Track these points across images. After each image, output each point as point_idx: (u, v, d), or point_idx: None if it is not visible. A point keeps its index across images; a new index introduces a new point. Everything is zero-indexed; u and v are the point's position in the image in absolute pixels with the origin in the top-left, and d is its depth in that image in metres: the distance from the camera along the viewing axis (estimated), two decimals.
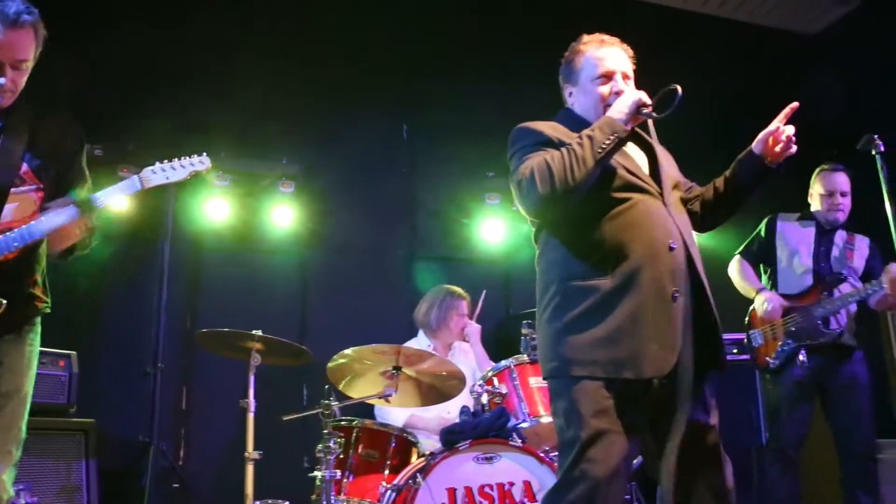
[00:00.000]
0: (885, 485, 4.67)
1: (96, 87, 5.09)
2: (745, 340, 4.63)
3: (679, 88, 2.40)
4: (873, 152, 3.14)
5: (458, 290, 5.02)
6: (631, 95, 2.53)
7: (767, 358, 4.45)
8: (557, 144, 2.52)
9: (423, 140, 6.06)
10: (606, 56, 2.70)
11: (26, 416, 2.72)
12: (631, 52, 2.76)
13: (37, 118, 2.75)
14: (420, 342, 4.92)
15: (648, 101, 2.51)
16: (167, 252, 5.42)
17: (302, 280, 5.71)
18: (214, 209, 5.44)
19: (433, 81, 5.91)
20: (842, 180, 4.51)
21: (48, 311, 2.83)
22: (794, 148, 2.58)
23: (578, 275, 2.51)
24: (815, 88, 6.87)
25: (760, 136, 2.59)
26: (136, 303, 5.48)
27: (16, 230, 2.60)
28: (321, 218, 5.75)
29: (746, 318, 4.63)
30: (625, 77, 2.69)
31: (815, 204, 4.58)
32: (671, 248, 2.48)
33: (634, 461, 4.04)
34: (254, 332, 4.02)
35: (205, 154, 2.71)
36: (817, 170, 4.63)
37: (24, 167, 2.70)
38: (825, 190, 4.52)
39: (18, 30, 2.57)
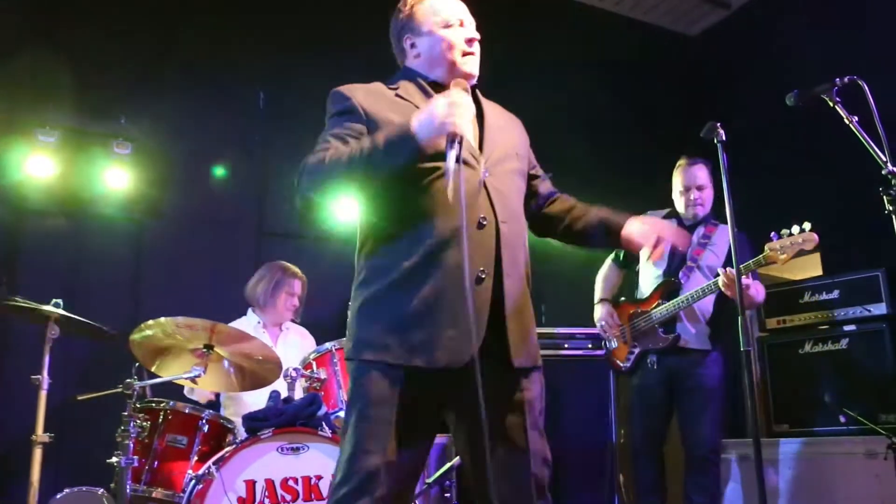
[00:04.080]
0: (728, 483, 4.66)
1: None
2: (602, 342, 4.66)
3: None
4: (715, 140, 3.05)
5: (293, 267, 4.73)
6: (448, 123, 2.16)
7: (619, 361, 4.46)
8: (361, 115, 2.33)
9: (278, 109, 5.72)
10: (446, 5, 2.53)
11: None
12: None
13: None
14: (249, 320, 4.62)
15: (462, 135, 2.18)
16: None
17: (137, 249, 5.26)
18: (38, 166, 4.91)
19: (289, 47, 5.64)
20: (698, 174, 4.41)
21: None
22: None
23: (380, 251, 2.31)
24: (692, 87, 7.00)
25: (632, 234, 2.50)
26: None
27: None
28: (162, 185, 5.32)
29: None
30: (461, 24, 2.50)
31: (676, 200, 4.49)
32: (480, 226, 2.26)
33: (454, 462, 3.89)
34: (53, 303, 3.65)
35: None
36: (676, 165, 4.52)
37: None
38: (682, 185, 4.43)
39: None
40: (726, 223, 3.08)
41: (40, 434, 3.63)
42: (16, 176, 4.92)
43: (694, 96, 6.96)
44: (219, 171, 5.50)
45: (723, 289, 4.00)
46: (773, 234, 3.85)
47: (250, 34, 5.63)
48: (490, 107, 2.54)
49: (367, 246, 2.36)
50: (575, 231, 2.60)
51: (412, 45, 2.51)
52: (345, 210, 5.76)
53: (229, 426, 3.86)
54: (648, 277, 4.45)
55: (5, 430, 4.58)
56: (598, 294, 4.64)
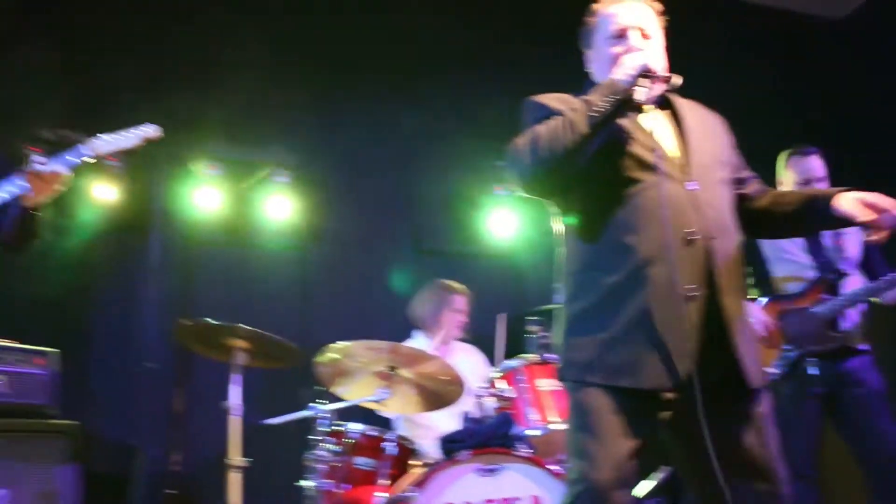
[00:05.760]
0: None
1: (82, 78, 4.86)
2: None
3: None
4: None
5: (454, 284, 4.72)
6: (638, 57, 2.23)
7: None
8: None
9: (425, 129, 5.76)
10: (620, 11, 2.39)
11: None
12: (658, 6, 2.45)
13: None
14: (417, 342, 4.62)
15: (654, 68, 2.21)
16: (157, 244, 5.15)
17: (301, 275, 5.41)
18: (205, 199, 5.12)
19: (431, 68, 5.65)
20: (815, 165, 4.00)
21: None
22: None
23: (585, 268, 2.26)
24: (839, 75, 6.61)
25: (848, 208, 2.24)
26: (125, 298, 5.21)
27: None
28: (319, 210, 5.45)
29: None
30: (643, 35, 2.36)
31: None
32: (689, 241, 2.15)
33: (661, 476, 3.74)
34: (238, 325, 3.73)
35: (156, 126, 2.70)
36: (784, 155, 4.14)
37: None
38: (800, 177, 4.00)
39: None
40: None
41: (235, 458, 3.70)
42: (186, 210, 5.11)
43: (837, 83, 6.56)
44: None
45: None
46: None
47: (399, 57, 5.68)
48: (689, 109, 2.42)
49: (572, 262, 2.32)
50: (785, 217, 2.43)
51: (589, 60, 2.49)
52: (498, 225, 5.75)
53: (413, 447, 3.84)
54: (789, 270, 4.05)
55: (196, 456, 4.76)
56: None
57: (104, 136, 2.60)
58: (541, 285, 5.51)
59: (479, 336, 5.13)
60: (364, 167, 5.64)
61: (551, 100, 2.35)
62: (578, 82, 2.50)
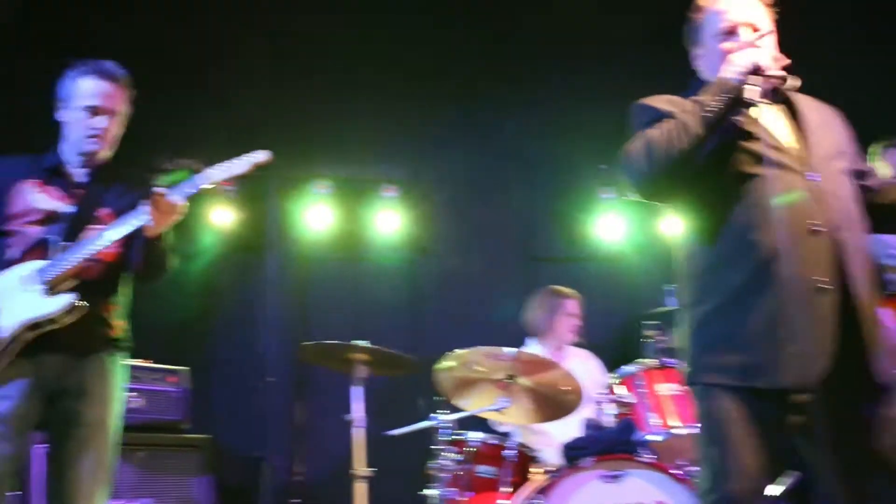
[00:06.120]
0: None
1: (199, 104, 5.10)
2: None
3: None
4: None
5: (565, 289, 4.72)
6: (749, 53, 2.16)
7: None
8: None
9: (528, 135, 5.78)
10: (729, 7, 2.33)
11: (114, 450, 2.77)
12: None
13: (123, 173, 2.95)
14: (531, 349, 4.61)
15: (765, 65, 2.14)
16: (272, 263, 5.35)
17: (412, 287, 5.52)
18: (316, 217, 5.31)
19: (535, 73, 5.68)
20: None
21: (125, 345, 2.89)
22: None
23: (709, 268, 2.21)
24: None
25: None
26: (245, 316, 5.44)
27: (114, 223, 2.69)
28: (427, 222, 5.55)
29: None
30: (753, 30, 2.30)
31: None
32: (814, 232, 2.10)
33: (789, 480, 3.65)
34: (357, 342, 3.84)
35: (268, 151, 2.71)
36: (878, 147, 3.93)
37: (105, 210, 2.85)
38: None
39: (110, 81, 2.88)
40: None
41: (360, 468, 3.81)
42: (299, 229, 5.29)
43: None
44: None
45: None
46: None
47: (502, 66, 5.72)
48: (805, 102, 2.37)
49: (694, 263, 2.27)
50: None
51: (696, 58, 2.43)
52: (607, 229, 5.72)
53: (532, 454, 3.87)
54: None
55: (318, 466, 4.91)
56: None
57: (218, 165, 2.67)
58: (652, 288, 5.45)
59: (592, 341, 5.13)
60: (470, 177, 5.71)
61: (660, 102, 2.32)
62: (681, 83, 2.48)
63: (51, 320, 2.62)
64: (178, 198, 2.60)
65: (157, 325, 4.98)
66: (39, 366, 2.67)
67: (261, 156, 2.66)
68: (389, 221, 5.40)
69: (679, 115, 2.15)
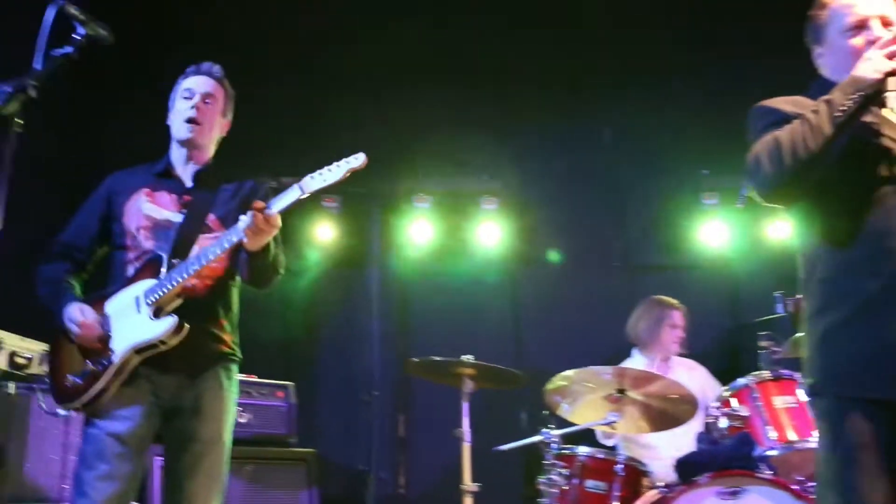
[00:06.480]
0: None
1: (292, 120, 5.21)
2: None
3: None
4: None
5: (669, 299, 4.62)
6: (882, 48, 2.04)
7: None
8: None
9: (627, 142, 5.70)
10: (855, 1, 2.22)
11: (227, 463, 2.78)
12: None
13: (227, 175, 2.94)
14: (636, 361, 4.55)
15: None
16: (375, 278, 5.42)
17: (513, 299, 5.51)
18: (418, 231, 5.37)
19: (632, 79, 5.59)
20: None
21: (236, 359, 2.87)
22: None
23: (838, 273, 2.11)
24: None
25: None
26: (348, 331, 5.52)
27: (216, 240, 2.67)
28: (527, 233, 5.54)
29: None
30: (884, 23, 2.19)
31: None
32: None
33: None
34: (464, 358, 3.84)
35: (361, 154, 2.57)
36: None
37: (212, 216, 2.84)
38: None
39: (206, 76, 2.91)
40: None
41: (468, 483, 3.79)
42: (401, 244, 5.34)
43: None
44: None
45: None
46: None
47: (598, 74, 5.67)
48: None
49: (819, 270, 2.16)
50: None
51: (819, 57, 2.33)
52: (709, 236, 5.58)
53: (643, 469, 3.78)
54: None
55: (420, 479, 4.93)
56: None
57: (314, 174, 2.58)
58: (758, 296, 5.30)
59: (695, 351, 5.01)
60: (570, 187, 5.67)
61: (783, 103, 2.23)
62: (769, 87, 2.40)
63: (158, 343, 2.62)
64: (274, 211, 2.57)
65: (263, 341, 5.10)
66: (156, 386, 2.70)
67: (356, 160, 2.56)
68: (490, 234, 5.40)
69: (807, 115, 2.06)
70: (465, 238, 5.47)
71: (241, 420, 4.14)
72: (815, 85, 2.32)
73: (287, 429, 4.48)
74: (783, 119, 2.16)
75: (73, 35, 2.21)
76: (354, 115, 5.42)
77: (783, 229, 5.44)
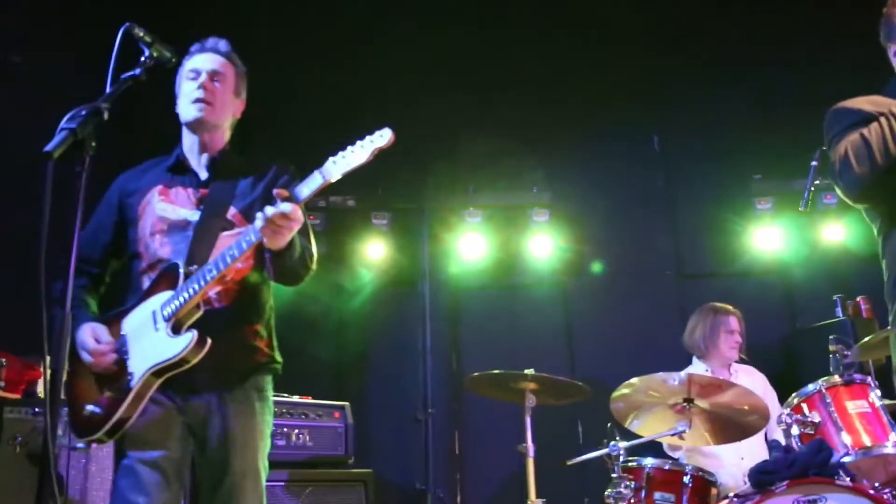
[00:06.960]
0: None
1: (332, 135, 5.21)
2: None
3: None
4: None
5: (724, 305, 4.56)
6: None
7: None
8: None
9: (676, 149, 5.65)
10: None
11: (261, 490, 2.54)
12: None
13: (246, 162, 2.71)
14: (696, 369, 4.47)
15: None
16: (427, 294, 5.40)
17: (566, 311, 5.47)
18: (469, 246, 5.36)
19: (680, 86, 5.56)
20: None
21: (277, 368, 2.65)
22: None
23: None
24: None
25: None
26: (400, 348, 5.51)
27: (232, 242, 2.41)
28: (579, 244, 5.50)
29: None
30: None
31: None
32: None
33: None
34: (526, 371, 3.79)
35: (386, 128, 2.27)
36: None
37: (233, 210, 2.60)
38: None
39: (212, 53, 2.67)
40: None
41: (534, 499, 3.74)
42: (452, 259, 5.34)
43: None
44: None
45: None
46: None
47: (646, 81, 5.64)
48: None
49: None
50: None
51: (894, 54, 2.30)
52: (764, 241, 5.50)
53: (711, 479, 3.70)
54: None
55: (477, 495, 4.88)
56: None
57: (335, 159, 2.28)
58: (815, 300, 5.21)
59: (752, 356, 4.93)
60: (619, 195, 5.63)
61: (863, 103, 2.22)
62: (818, 90, 2.36)
63: (178, 362, 2.37)
64: (296, 202, 2.29)
65: (319, 362, 5.10)
66: (187, 411, 2.50)
67: (381, 138, 2.25)
68: (542, 246, 5.38)
69: (890, 114, 2.03)
70: (517, 251, 5.46)
71: (299, 442, 4.12)
72: (894, 81, 2.28)
73: (345, 450, 4.44)
74: (866, 119, 2.14)
75: (141, 58, 2.21)
76: (402, 129, 5.40)
77: (839, 232, 5.35)
